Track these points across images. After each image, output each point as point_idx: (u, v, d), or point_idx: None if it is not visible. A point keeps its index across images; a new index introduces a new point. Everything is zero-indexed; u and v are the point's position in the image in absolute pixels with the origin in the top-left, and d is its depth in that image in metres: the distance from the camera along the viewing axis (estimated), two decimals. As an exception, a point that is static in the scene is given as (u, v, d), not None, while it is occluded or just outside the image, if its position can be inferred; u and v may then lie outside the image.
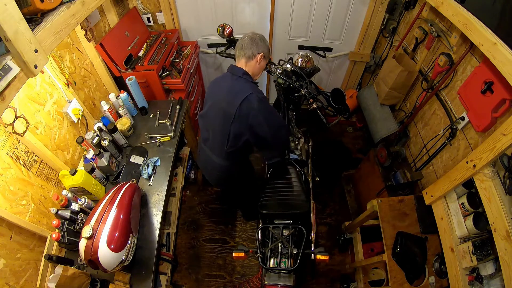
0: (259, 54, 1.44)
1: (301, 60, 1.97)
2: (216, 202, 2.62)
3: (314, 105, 1.66)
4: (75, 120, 1.66)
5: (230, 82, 1.47)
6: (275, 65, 1.88)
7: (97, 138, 1.66)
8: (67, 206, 1.43)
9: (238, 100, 1.37)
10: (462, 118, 1.53)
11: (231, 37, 1.94)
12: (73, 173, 1.44)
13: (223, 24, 1.93)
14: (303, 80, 1.80)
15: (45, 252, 1.36)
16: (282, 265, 1.56)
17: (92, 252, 1.16)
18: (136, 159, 1.81)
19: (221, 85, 1.51)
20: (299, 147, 2.10)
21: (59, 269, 1.20)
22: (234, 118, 1.39)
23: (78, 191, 1.52)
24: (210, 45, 2.73)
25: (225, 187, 1.90)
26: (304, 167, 2.07)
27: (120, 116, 1.97)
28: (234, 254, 1.60)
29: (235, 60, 1.53)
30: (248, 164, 1.88)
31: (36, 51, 1.02)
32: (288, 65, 1.86)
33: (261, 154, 1.89)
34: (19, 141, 1.31)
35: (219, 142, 1.53)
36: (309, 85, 1.80)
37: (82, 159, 1.76)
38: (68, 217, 1.41)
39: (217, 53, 1.99)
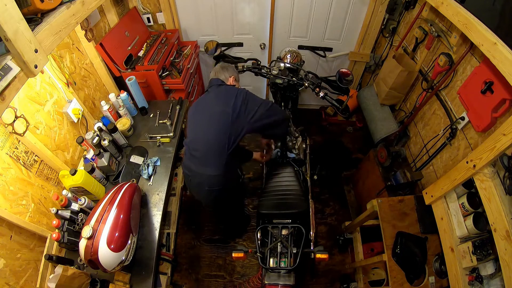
0: (231, 77, 1.64)
1: (290, 56, 1.98)
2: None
3: (322, 93, 1.68)
4: (75, 120, 1.66)
5: (215, 90, 1.57)
6: (267, 67, 1.88)
7: (97, 138, 1.66)
8: (67, 206, 1.43)
9: (232, 96, 1.48)
10: (462, 118, 1.53)
11: (221, 53, 1.98)
12: (73, 173, 1.44)
13: (209, 41, 1.98)
14: (301, 73, 1.82)
15: (45, 252, 1.36)
16: (282, 265, 1.56)
17: (92, 252, 1.16)
18: (136, 159, 1.81)
19: (206, 99, 1.59)
20: (296, 146, 2.10)
21: (59, 269, 1.21)
22: (233, 112, 1.45)
23: (78, 191, 1.52)
24: (210, 45, 2.73)
25: (218, 201, 1.77)
26: (302, 166, 2.07)
27: (120, 116, 1.97)
28: (233, 255, 1.59)
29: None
30: (238, 174, 1.87)
31: (36, 51, 1.02)
32: (282, 64, 1.85)
33: (268, 136, 1.92)
34: (19, 141, 1.31)
35: (217, 149, 1.49)
36: (308, 76, 1.81)
37: (82, 159, 1.76)
38: (68, 217, 1.41)
39: None
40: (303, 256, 1.52)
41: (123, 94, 1.94)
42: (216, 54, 2.03)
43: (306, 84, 1.75)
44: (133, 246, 1.34)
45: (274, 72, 1.81)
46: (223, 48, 2.73)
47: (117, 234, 1.23)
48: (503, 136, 1.06)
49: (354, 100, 2.75)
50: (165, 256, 2.00)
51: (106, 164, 1.67)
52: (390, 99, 2.21)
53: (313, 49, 2.71)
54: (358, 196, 2.51)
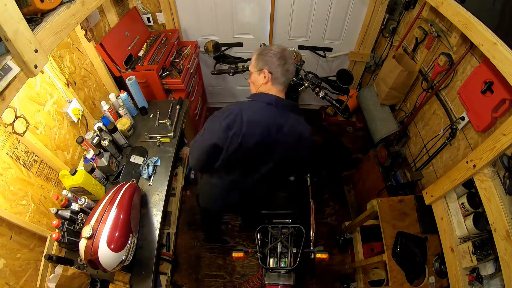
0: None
1: None
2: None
3: (322, 93, 1.68)
4: (75, 120, 1.66)
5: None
6: None
7: (97, 138, 1.66)
8: (67, 206, 1.43)
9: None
10: (462, 118, 1.53)
11: (220, 52, 1.94)
12: (73, 173, 1.44)
13: (209, 41, 1.96)
14: (301, 73, 1.81)
15: (45, 252, 1.36)
16: (282, 265, 1.56)
17: (92, 252, 1.16)
18: (136, 159, 1.81)
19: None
20: None
21: (59, 269, 1.20)
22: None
23: (78, 191, 1.52)
24: (210, 45, 2.73)
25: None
26: None
27: (120, 116, 1.97)
28: (233, 255, 1.60)
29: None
30: None
31: (36, 51, 1.02)
32: None
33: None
34: (19, 141, 1.31)
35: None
36: (308, 76, 1.81)
37: (82, 159, 1.76)
38: (68, 217, 1.41)
39: (211, 73, 1.97)
40: (303, 256, 1.53)
41: (123, 94, 1.93)
42: (216, 54, 2.02)
43: (306, 84, 1.75)
44: (133, 246, 1.34)
45: None
46: (223, 48, 2.73)
47: (117, 234, 1.23)
48: (503, 136, 1.06)
49: (354, 100, 2.75)
50: (165, 256, 2.00)
51: (106, 164, 1.67)
52: (390, 99, 2.21)
53: (313, 49, 2.71)
54: (358, 196, 2.51)
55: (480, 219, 1.28)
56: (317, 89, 1.71)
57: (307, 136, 1.24)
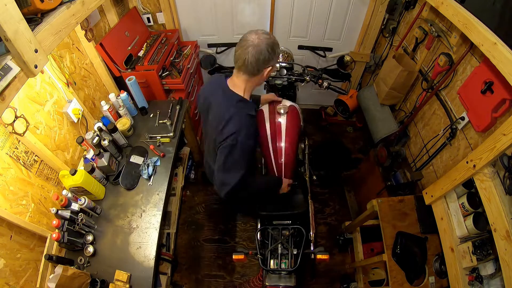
0: (267, 68, 1.20)
1: (282, 56, 1.97)
2: (216, 202, 2.61)
3: (326, 83, 1.68)
4: (75, 120, 1.66)
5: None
6: None
7: (97, 138, 1.66)
8: (67, 206, 1.43)
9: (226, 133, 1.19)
10: (462, 118, 1.53)
11: (216, 65, 1.91)
12: (73, 173, 1.44)
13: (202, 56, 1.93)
14: (299, 68, 1.82)
15: (45, 252, 1.36)
16: (283, 266, 1.56)
17: None
18: (136, 159, 1.81)
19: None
20: None
21: (59, 269, 1.21)
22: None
23: (78, 191, 1.52)
24: (210, 45, 2.73)
25: None
26: (301, 166, 2.07)
27: (120, 116, 1.97)
28: (234, 257, 1.59)
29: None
30: None
31: (36, 51, 1.02)
32: (277, 65, 1.84)
33: None
34: (19, 141, 1.31)
35: None
36: (307, 70, 1.81)
37: (82, 159, 1.76)
38: (68, 217, 1.41)
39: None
40: (303, 257, 1.52)
41: (123, 94, 1.93)
42: (210, 69, 1.96)
43: (308, 79, 1.74)
44: None
45: (272, 73, 1.81)
46: (223, 49, 2.73)
47: None
48: (503, 136, 1.06)
49: (354, 100, 2.75)
50: (165, 256, 2.00)
51: (106, 164, 1.67)
52: (390, 99, 2.21)
53: (313, 49, 2.71)
54: (358, 196, 2.51)
55: (480, 219, 1.28)
56: (320, 80, 1.71)
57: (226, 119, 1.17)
